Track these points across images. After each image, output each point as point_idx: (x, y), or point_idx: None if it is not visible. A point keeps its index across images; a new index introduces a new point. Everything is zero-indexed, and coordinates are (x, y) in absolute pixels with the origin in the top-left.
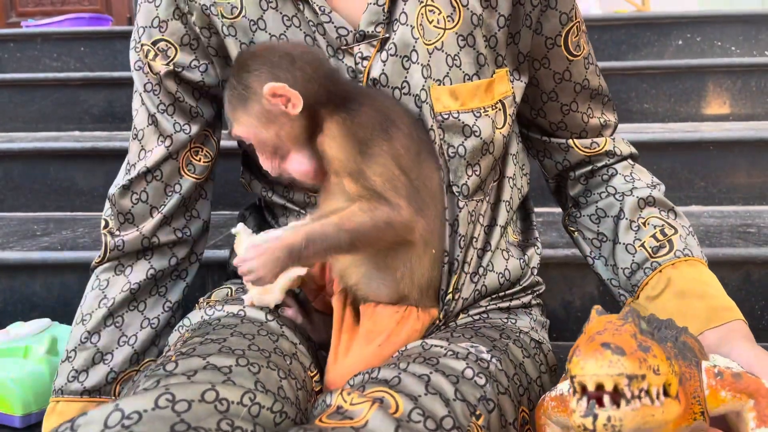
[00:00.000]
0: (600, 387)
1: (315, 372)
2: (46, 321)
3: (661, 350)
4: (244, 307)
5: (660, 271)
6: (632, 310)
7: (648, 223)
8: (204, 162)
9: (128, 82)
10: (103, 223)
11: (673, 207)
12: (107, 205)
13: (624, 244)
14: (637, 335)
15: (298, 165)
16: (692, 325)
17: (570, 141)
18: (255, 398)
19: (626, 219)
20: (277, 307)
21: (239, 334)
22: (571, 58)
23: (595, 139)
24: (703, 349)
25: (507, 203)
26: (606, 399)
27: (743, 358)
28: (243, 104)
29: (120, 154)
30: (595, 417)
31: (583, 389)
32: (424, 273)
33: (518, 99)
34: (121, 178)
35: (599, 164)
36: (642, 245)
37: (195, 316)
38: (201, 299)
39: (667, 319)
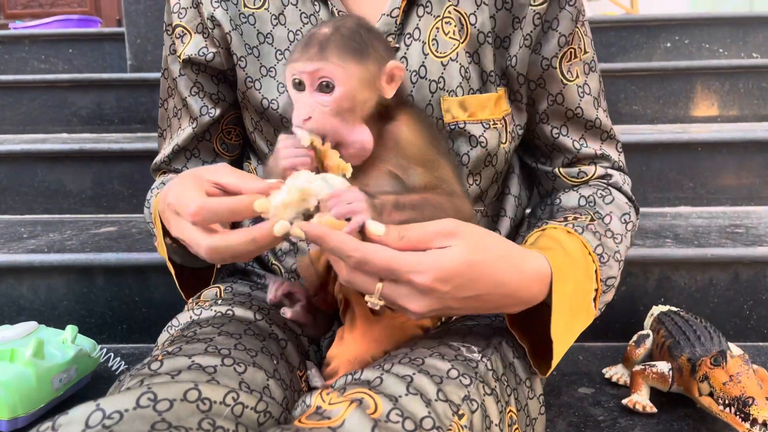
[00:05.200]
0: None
1: (303, 372)
2: (33, 324)
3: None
4: (232, 306)
5: (543, 229)
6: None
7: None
8: (236, 141)
9: (116, 84)
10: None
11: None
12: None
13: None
14: (760, 381)
15: (365, 136)
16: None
17: (557, 170)
18: (238, 398)
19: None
20: (272, 308)
21: (226, 333)
22: (565, 81)
23: (583, 168)
24: None
25: (512, 220)
26: None
27: None
28: (359, 55)
29: (108, 156)
30: None
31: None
32: None
33: (516, 119)
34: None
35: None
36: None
37: (183, 317)
38: (190, 300)
39: (699, 327)
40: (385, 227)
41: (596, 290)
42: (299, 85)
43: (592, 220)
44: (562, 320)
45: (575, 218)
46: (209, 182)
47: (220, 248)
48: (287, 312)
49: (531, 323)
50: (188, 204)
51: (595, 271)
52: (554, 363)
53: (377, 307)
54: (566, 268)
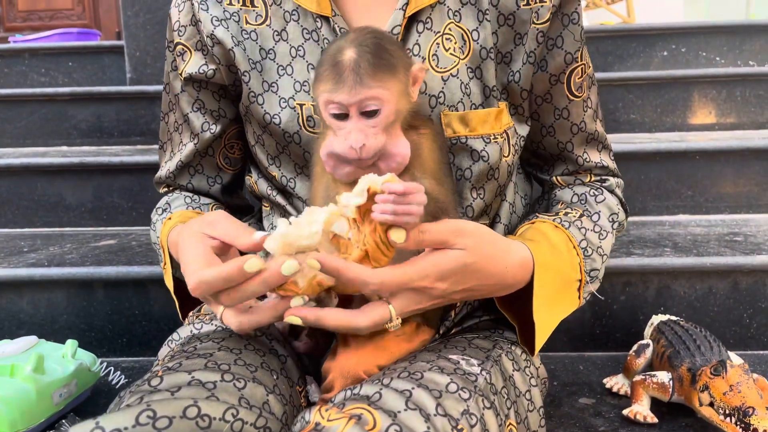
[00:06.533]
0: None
1: (303, 387)
2: (33, 339)
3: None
4: None
5: (532, 222)
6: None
7: (567, 212)
8: (238, 155)
9: (116, 97)
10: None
11: (608, 233)
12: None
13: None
14: (760, 390)
15: (405, 148)
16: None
17: (554, 178)
18: (238, 414)
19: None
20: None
21: (226, 348)
22: (571, 97)
23: (579, 177)
24: None
25: (506, 226)
26: None
27: None
28: (392, 70)
29: (108, 169)
30: None
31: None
32: None
33: (518, 131)
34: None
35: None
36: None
37: (184, 331)
38: (191, 313)
39: (699, 336)
40: (406, 234)
41: (580, 281)
42: (340, 115)
43: (581, 216)
44: (544, 304)
45: (565, 213)
46: (206, 236)
47: (203, 281)
48: (300, 345)
49: (519, 309)
50: (189, 280)
51: (579, 264)
52: (538, 344)
53: (398, 328)
54: (548, 258)
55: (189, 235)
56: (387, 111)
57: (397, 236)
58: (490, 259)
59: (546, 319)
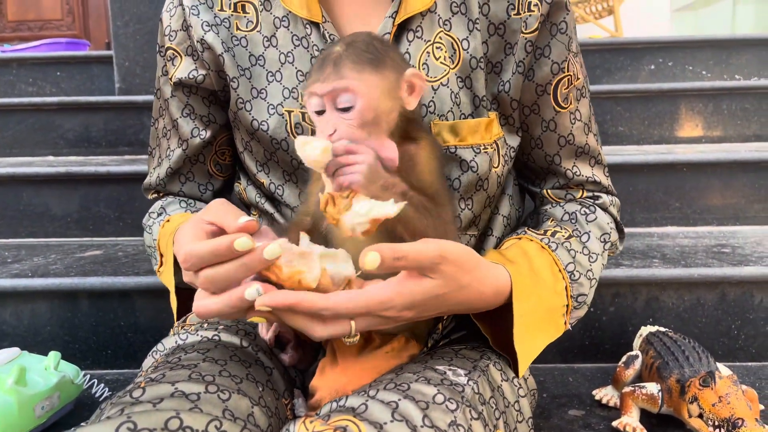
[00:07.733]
0: None
1: (289, 399)
2: (15, 350)
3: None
4: (218, 332)
5: (519, 238)
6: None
7: (555, 232)
8: (229, 161)
9: (104, 107)
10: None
11: (597, 255)
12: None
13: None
14: (749, 402)
15: (392, 152)
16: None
17: (545, 191)
18: (221, 426)
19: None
20: (250, 335)
21: (211, 359)
22: (558, 108)
23: (571, 191)
24: None
25: (498, 239)
26: None
27: None
28: (375, 65)
29: (95, 179)
30: None
31: None
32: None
33: (509, 142)
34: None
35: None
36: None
37: (169, 342)
38: (176, 323)
39: (688, 347)
40: (380, 257)
41: (567, 306)
42: (321, 112)
43: (570, 236)
44: (524, 333)
45: (554, 233)
46: (202, 221)
47: (192, 253)
48: (285, 358)
49: (495, 321)
50: (179, 254)
51: (566, 288)
52: (521, 370)
53: (356, 343)
54: (528, 285)
55: (187, 223)
56: (361, 106)
57: (371, 261)
58: (464, 288)
59: (528, 347)
